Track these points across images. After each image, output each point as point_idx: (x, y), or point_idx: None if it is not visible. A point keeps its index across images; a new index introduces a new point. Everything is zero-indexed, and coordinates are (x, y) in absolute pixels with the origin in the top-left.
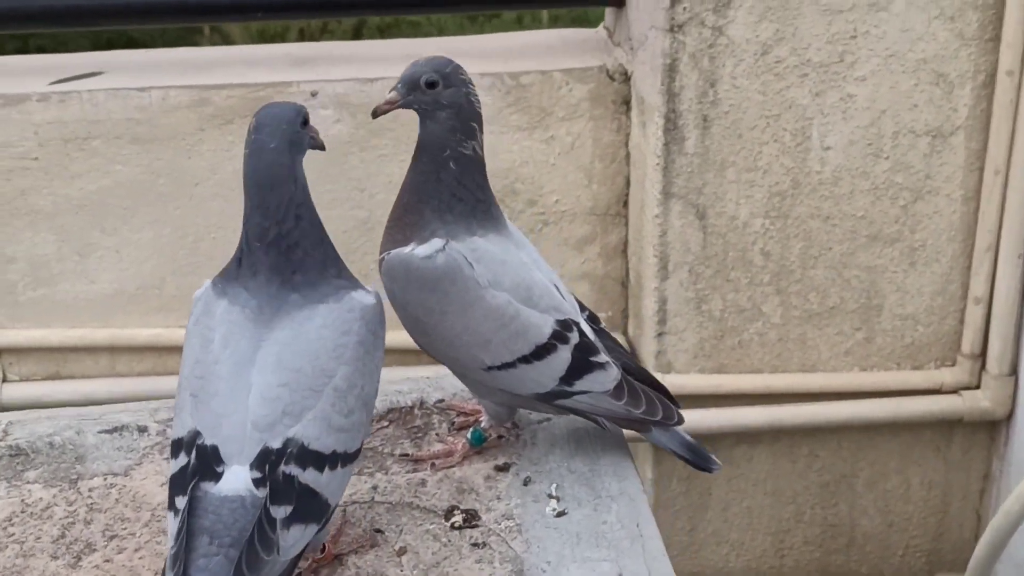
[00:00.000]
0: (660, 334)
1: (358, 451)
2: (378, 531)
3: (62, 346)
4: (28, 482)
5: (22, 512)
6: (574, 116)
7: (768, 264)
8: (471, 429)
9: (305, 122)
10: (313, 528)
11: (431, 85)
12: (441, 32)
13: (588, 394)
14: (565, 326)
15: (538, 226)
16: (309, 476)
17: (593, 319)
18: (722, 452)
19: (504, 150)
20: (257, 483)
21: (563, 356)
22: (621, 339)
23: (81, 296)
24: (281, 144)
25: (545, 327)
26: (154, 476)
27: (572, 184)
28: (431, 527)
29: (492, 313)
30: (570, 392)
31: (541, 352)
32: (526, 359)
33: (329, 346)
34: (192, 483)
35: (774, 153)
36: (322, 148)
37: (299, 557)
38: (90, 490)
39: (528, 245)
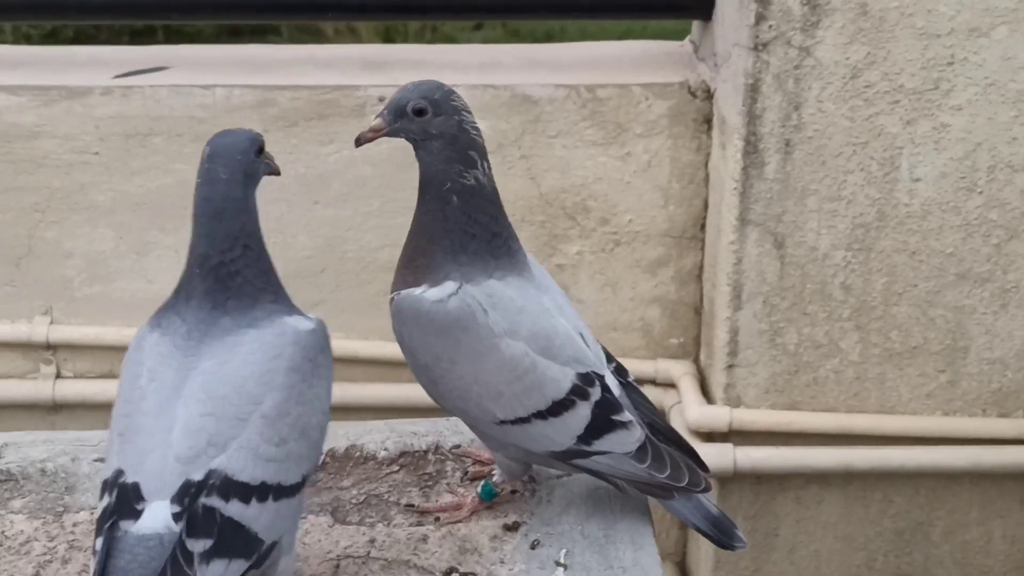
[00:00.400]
0: (730, 366)
1: (298, 484)
2: None
3: (117, 344)
4: (12, 511)
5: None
6: (652, 133)
7: (848, 299)
8: (482, 483)
9: (260, 150)
10: (241, 564)
11: (419, 112)
12: (562, 28)
13: (608, 455)
14: (586, 380)
15: (609, 246)
16: (234, 508)
17: (620, 371)
18: (791, 492)
19: (577, 165)
20: (176, 517)
21: (582, 413)
22: (692, 368)
23: (138, 294)
24: (235, 175)
25: (564, 381)
26: None
27: (647, 204)
28: None
29: (506, 364)
30: (588, 452)
31: (558, 408)
32: (541, 415)
33: (256, 372)
34: (110, 523)
35: (859, 183)
36: (277, 173)
37: None
38: (74, 525)
39: (553, 288)
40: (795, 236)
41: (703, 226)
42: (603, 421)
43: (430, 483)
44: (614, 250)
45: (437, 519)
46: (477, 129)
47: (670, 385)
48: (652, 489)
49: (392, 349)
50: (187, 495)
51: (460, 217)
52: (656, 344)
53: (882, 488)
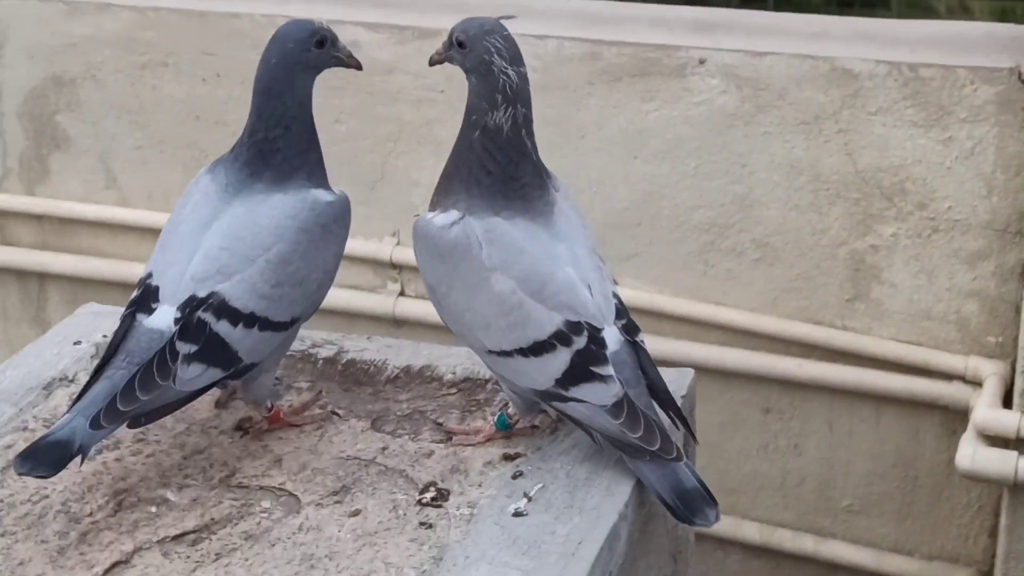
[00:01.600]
0: None
1: (285, 324)
2: (335, 412)
3: None
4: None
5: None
6: (977, 119)
7: None
8: (498, 413)
9: (321, 43)
10: (216, 372)
11: (460, 44)
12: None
13: (584, 404)
14: (573, 328)
15: (926, 232)
16: (222, 327)
17: (629, 329)
18: None
19: (895, 145)
20: (176, 322)
21: (561, 358)
22: (1006, 369)
23: None
24: (284, 61)
25: (548, 325)
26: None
27: (968, 192)
28: (401, 497)
29: (494, 298)
30: (566, 397)
31: (538, 348)
32: (523, 352)
33: (272, 224)
34: (130, 311)
35: None
36: (357, 67)
37: (198, 395)
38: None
39: (577, 239)
40: None
41: None
42: (581, 370)
43: (473, 408)
44: (931, 237)
45: (450, 438)
46: (511, 75)
47: (978, 384)
48: (624, 447)
49: (702, 309)
50: (189, 306)
51: (481, 151)
52: (972, 340)
53: None
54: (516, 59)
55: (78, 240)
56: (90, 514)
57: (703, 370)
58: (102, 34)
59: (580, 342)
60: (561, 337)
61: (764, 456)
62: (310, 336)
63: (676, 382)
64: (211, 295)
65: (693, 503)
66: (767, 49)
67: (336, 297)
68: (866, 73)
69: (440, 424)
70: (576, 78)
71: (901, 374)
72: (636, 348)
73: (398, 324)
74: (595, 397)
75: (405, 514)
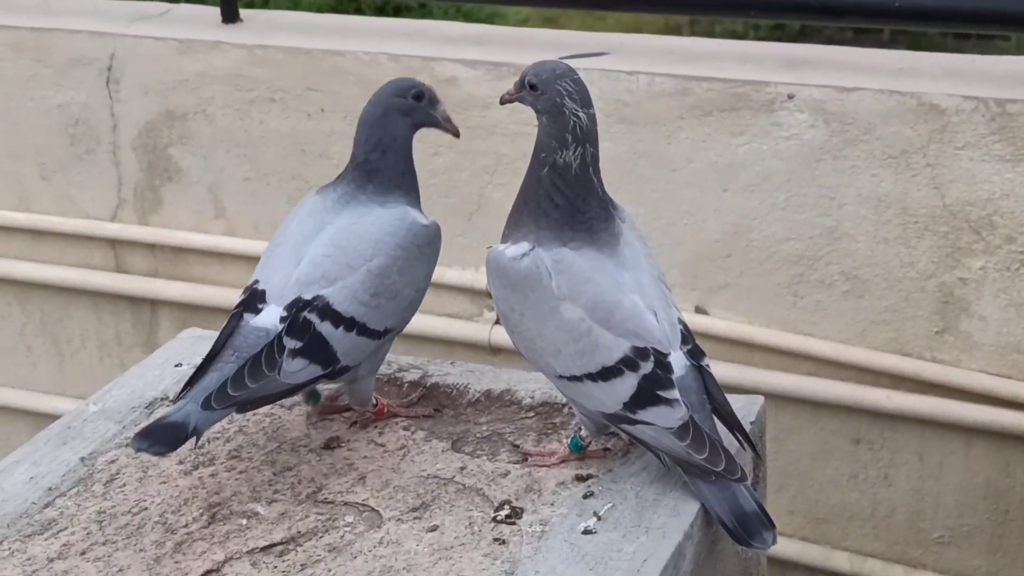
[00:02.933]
0: None
1: (379, 332)
2: (437, 410)
3: None
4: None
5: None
6: None
7: None
8: (572, 436)
9: (418, 96)
10: (316, 369)
11: (532, 87)
12: None
13: (651, 427)
14: (640, 354)
15: (1015, 265)
16: (325, 328)
17: (695, 354)
18: None
19: (983, 179)
20: (282, 320)
21: (628, 382)
22: None
23: None
24: (383, 103)
25: (616, 351)
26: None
27: None
28: (477, 514)
29: (564, 326)
30: (633, 420)
31: (607, 374)
32: (592, 377)
33: (373, 237)
34: (237, 312)
35: None
36: (454, 134)
37: (299, 388)
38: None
39: (642, 268)
40: None
41: None
42: (648, 394)
43: (550, 431)
44: (1020, 270)
45: (526, 459)
46: (581, 116)
47: None
48: (690, 468)
49: (791, 340)
50: (295, 307)
51: (549, 186)
52: None
53: None
54: (586, 102)
55: (188, 268)
56: (185, 525)
57: (793, 400)
58: (213, 71)
59: (647, 367)
60: (628, 362)
61: (854, 486)
62: (396, 360)
63: (745, 408)
64: (316, 298)
65: (751, 525)
66: (854, 85)
67: (434, 325)
68: (953, 108)
69: (517, 446)
70: (667, 113)
71: (991, 406)
72: (702, 372)
73: (494, 351)
74: (662, 420)
75: (480, 530)
